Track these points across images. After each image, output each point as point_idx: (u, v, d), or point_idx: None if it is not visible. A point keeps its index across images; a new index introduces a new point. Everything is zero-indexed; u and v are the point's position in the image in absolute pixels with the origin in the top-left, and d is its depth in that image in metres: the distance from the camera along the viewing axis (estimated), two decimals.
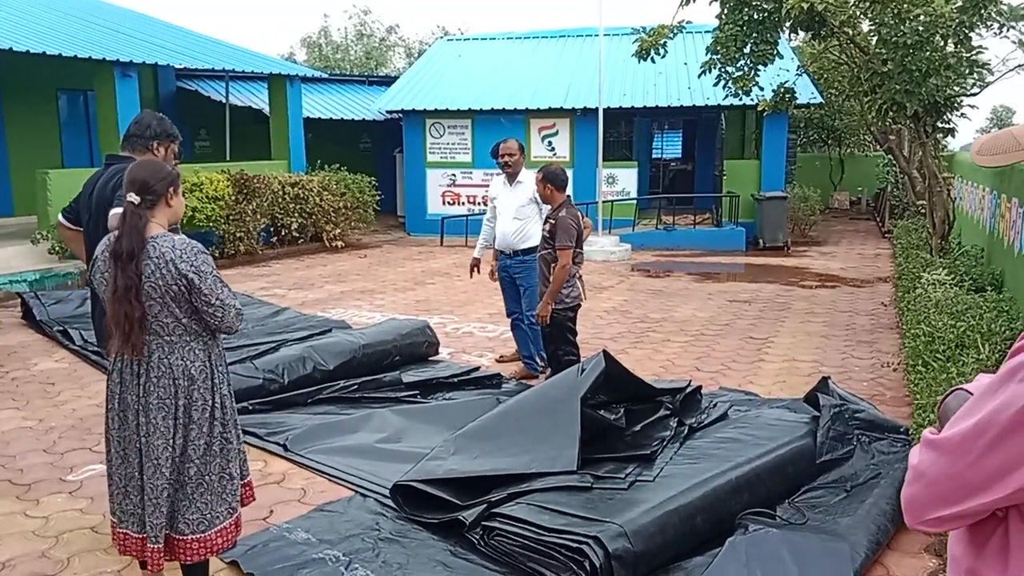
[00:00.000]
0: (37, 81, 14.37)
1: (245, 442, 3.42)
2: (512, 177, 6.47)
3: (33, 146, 14.53)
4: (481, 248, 6.90)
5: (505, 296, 6.67)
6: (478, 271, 6.93)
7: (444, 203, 17.21)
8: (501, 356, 7.12)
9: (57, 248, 10.76)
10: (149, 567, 2.96)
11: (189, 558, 3.00)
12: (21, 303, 8.74)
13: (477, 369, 6.58)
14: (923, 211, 11.57)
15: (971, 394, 1.23)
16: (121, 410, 2.95)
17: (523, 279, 6.42)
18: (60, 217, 4.07)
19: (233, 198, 12.58)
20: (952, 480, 1.14)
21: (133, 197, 2.87)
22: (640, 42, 10.90)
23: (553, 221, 5.73)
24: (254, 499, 3.35)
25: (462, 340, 7.78)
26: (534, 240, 6.39)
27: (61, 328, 7.79)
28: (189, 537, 2.97)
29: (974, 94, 9.61)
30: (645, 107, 16.29)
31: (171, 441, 2.90)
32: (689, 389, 4.93)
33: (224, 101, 15.82)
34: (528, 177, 6.48)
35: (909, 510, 1.20)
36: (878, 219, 19.13)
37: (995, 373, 1.17)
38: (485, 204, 7.09)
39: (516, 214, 6.40)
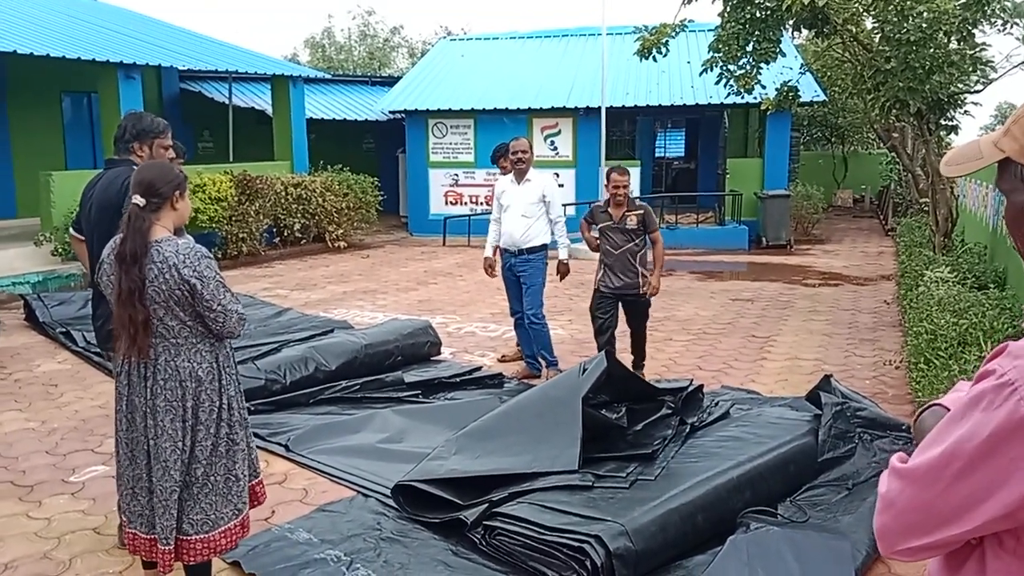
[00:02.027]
0: (41, 83, 14.40)
1: None
2: (521, 175, 6.42)
3: (37, 148, 14.56)
4: (491, 247, 6.74)
5: (509, 295, 6.63)
6: (493, 271, 6.73)
7: (447, 203, 17.22)
8: (503, 356, 7.13)
9: (60, 250, 10.79)
10: (160, 568, 2.96)
11: (192, 559, 2.99)
12: (24, 305, 8.77)
13: (479, 369, 6.58)
14: (926, 209, 11.55)
15: (948, 409, 1.19)
16: (129, 412, 2.95)
17: (527, 277, 6.38)
18: (70, 230, 4.09)
19: (236, 199, 12.59)
20: (920, 511, 1.11)
21: (138, 199, 2.88)
22: (642, 41, 10.89)
23: (641, 211, 6.11)
24: (266, 496, 3.36)
25: (464, 340, 7.78)
26: (541, 239, 6.37)
27: (64, 330, 7.81)
28: (193, 537, 2.97)
29: (977, 91, 9.60)
30: (648, 106, 16.28)
31: (179, 443, 2.90)
32: (691, 388, 4.93)
33: (227, 102, 15.84)
34: (536, 175, 6.46)
35: (881, 540, 1.17)
36: (881, 217, 19.10)
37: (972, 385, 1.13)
38: (488, 204, 7.09)
39: (524, 212, 6.33)
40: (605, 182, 6.21)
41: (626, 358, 6.34)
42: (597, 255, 6.34)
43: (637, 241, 6.11)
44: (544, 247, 6.41)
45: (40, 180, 11.41)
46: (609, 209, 6.15)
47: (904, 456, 1.17)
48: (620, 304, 6.25)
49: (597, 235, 6.27)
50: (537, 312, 6.37)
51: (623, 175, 6.08)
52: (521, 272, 6.40)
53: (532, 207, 6.35)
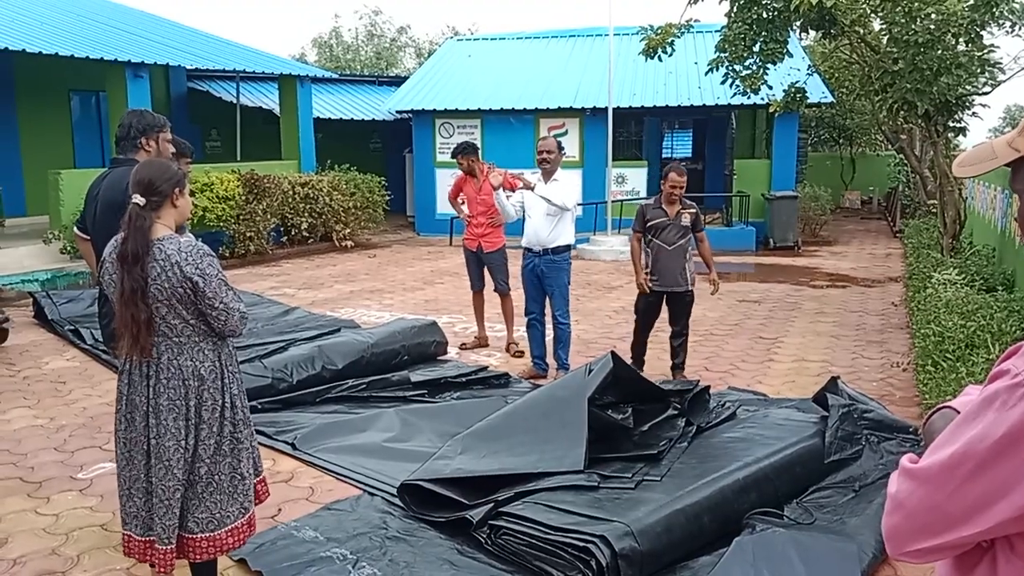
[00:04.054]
0: (50, 82, 14.46)
1: None
2: (548, 175, 6.36)
3: (46, 146, 14.63)
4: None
5: (527, 295, 6.57)
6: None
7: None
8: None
9: (69, 248, 10.84)
10: (158, 568, 2.95)
11: (198, 556, 2.99)
12: (33, 302, 8.81)
13: (485, 369, 6.58)
14: (934, 211, 11.52)
15: (958, 412, 1.18)
16: (128, 411, 2.94)
17: (552, 279, 6.33)
18: (75, 229, 4.11)
19: (244, 198, 12.63)
20: (931, 512, 1.09)
21: (138, 198, 2.87)
22: (647, 41, 10.88)
23: (694, 209, 6.27)
24: (269, 494, 3.36)
25: (471, 339, 7.78)
26: (565, 239, 6.33)
27: (72, 327, 7.85)
28: (199, 536, 2.97)
29: (985, 93, 9.57)
30: (655, 107, 16.27)
31: (182, 442, 2.89)
32: (697, 389, 4.92)
33: (235, 102, 15.88)
34: (563, 176, 6.41)
35: (890, 541, 1.16)
36: (889, 219, 19.04)
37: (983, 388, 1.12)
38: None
39: (549, 211, 6.26)
40: (662, 180, 6.21)
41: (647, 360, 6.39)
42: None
43: (689, 237, 6.20)
44: (569, 247, 6.39)
45: (49, 179, 11.48)
46: (663, 206, 6.17)
47: (915, 457, 1.16)
48: (666, 302, 6.32)
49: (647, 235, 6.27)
50: (564, 313, 6.37)
51: (681, 175, 6.13)
52: (545, 273, 6.35)
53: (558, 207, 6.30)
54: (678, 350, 6.42)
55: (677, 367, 6.39)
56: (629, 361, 6.30)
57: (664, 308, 6.39)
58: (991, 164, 1.24)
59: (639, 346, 6.49)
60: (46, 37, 12.10)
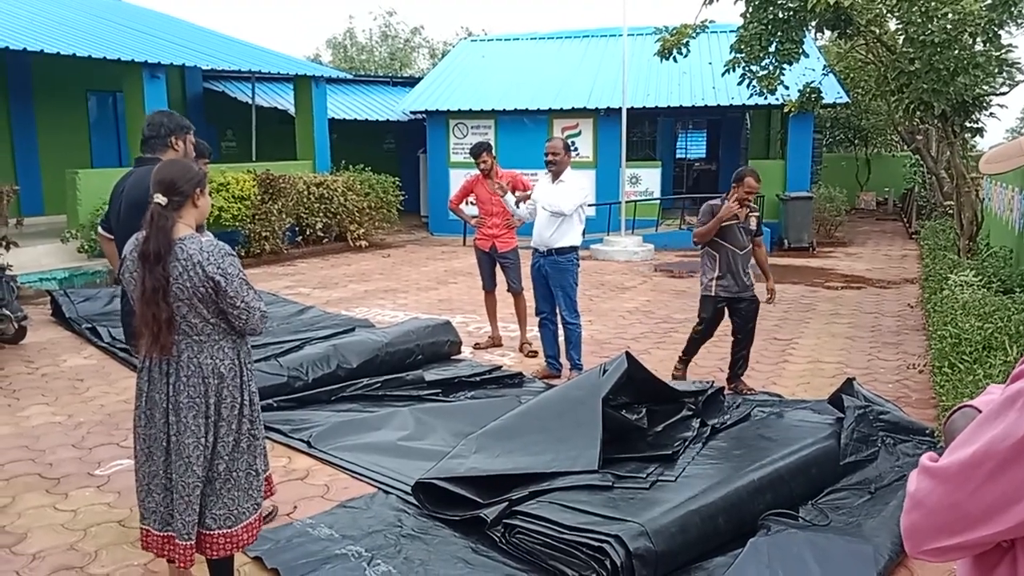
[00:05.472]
0: (67, 82, 14.58)
1: (269, 438, 3.46)
2: (555, 175, 6.33)
3: (63, 146, 14.76)
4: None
5: (536, 295, 6.57)
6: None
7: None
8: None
9: (86, 247, 10.92)
10: (179, 563, 2.97)
11: (215, 553, 3.03)
12: (51, 301, 8.89)
13: (499, 368, 6.59)
14: (951, 212, 11.45)
15: (979, 411, 1.18)
16: (148, 408, 2.97)
17: (556, 279, 6.34)
18: (99, 228, 4.16)
19: (259, 198, 12.70)
20: (950, 511, 1.09)
21: (160, 198, 2.89)
22: (663, 42, 10.87)
23: (758, 212, 6.14)
24: (273, 493, 3.38)
25: (484, 339, 7.79)
26: (569, 240, 6.30)
27: (90, 325, 7.91)
28: (216, 532, 3.00)
29: (1003, 93, 9.49)
30: (669, 107, 16.22)
31: (202, 439, 2.92)
32: (712, 390, 4.92)
33: (250, 102, 15.96)
34: (570, 176, 6.38)
35: (909, 539, 1.16)
36: (905, 220, 18.93)
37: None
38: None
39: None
40: (735, 183, 5.94)
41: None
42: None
43: (752, 245, 6.06)
44: (574, 249, 6.35)
45: (66, 178, 11.57)
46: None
47: (935, 455, 1.16)
48: (728, 309, 6.12)
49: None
50: (572, 314, 6.37)
51: (759, 181, 5.96)
52: (550, 274, 6.36)
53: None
54: (743, 361, 6.19)
55: (736, 376, 6.19)
56: (678, 366, 6.30)
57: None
58: (1020, 160, 1.24)
59: (692, 352, 6.30)
60: (63, 38, 12.20)
